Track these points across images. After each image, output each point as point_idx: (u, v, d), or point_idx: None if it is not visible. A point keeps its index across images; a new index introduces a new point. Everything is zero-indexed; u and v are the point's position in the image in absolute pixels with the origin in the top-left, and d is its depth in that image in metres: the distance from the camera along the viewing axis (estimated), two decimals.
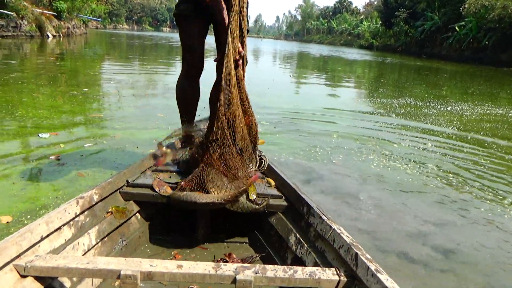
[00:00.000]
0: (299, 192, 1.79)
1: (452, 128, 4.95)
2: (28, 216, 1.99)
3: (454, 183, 2.94)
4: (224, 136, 1.77)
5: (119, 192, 1.76)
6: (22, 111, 4.22)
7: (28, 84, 6.00)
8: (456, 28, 31.08)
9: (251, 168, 2.08)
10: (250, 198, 1.74)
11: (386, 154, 3.53)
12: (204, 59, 2.12)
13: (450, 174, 3.12)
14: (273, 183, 1.98)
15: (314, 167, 3.06)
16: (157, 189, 1.79)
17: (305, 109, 5.59)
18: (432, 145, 3.99)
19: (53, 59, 10.63)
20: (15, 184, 2.37)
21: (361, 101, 6.91)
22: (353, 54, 29.89)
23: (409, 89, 9.15)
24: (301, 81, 10.19)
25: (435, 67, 19.68)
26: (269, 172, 2.10)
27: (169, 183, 1.86)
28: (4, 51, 11.77)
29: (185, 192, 1.69)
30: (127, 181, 1.81)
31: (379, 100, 7.04)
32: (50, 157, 2.86)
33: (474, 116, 5.97)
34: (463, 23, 30.50)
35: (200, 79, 2.19)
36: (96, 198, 1.59)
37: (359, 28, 65.92)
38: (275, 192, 1.89)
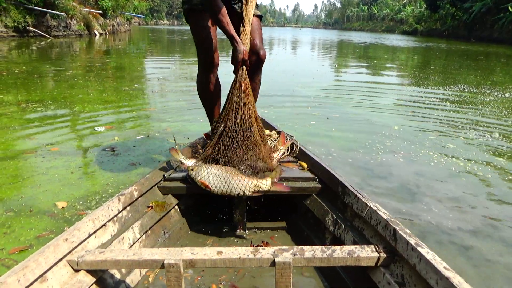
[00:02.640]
0: (333, 173, 1.77)
1: None
2: (81, 202, 2.12)
3: None
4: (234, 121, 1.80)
5: (157, 187, 1.81)
6: (79, 106, 4.43)
7: (82, 80, 6.31)
8: (509, 8, 28.80)
9: (284, 155, 2.11)
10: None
11: (449, 148, 3.30)
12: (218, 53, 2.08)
13: None
14: (306, 166, 1.98)
15: (373, 162, 2.92)
16: (192, 180, 1.77)
17: (355, 100, 5.43)
18: (499, 135, 3.70)
19: (102, 56, 11.10)
20: (74, 173, 2.51)
21: (414, 90, 6.57)
22: (397, 40, 28.68)
23: (463, 76, 8.62)
24: (345, 70, 9.89)
25: (487, 51, 18.39)
26: (301, 155, 2.10)
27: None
28: (57, 49, 12.45)
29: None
30: (164, 176, 1.85)
31: (430, 89, 6.68)
32: (106, 149, 2.97)
33: None
34: None
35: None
36: (136, 194, 1.65)
37: (402, 13, 63.16)
38: (308, 174, 1.89)
